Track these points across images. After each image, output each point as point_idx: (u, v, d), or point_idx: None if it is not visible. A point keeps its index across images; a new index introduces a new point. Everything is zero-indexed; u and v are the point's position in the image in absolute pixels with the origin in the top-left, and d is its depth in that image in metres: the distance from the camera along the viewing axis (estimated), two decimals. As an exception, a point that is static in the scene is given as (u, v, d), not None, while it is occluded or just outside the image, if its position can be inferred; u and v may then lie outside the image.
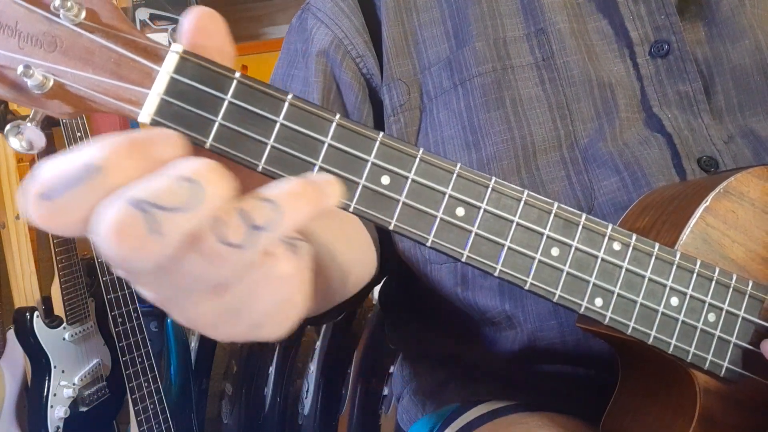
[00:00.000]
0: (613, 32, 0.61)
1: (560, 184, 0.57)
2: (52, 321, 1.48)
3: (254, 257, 0.26)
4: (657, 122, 0.57)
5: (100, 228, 0.24)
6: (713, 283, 0.41)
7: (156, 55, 0.28)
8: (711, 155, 0.55)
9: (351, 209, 0.32)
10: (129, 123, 1.82)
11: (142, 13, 1.83)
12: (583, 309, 0.37)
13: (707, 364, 0.41)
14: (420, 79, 0.63)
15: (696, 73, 0.58)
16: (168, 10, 1.75)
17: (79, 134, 1.45)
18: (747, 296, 0.42)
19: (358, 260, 0.58)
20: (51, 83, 0.26)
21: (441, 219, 0.34)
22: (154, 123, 0.28)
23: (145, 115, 0.28)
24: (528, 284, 0.36)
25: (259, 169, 0.30)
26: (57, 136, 1.51)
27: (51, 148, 1.47)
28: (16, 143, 0.27)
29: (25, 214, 0.25)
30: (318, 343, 1.48)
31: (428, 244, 0.34)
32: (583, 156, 0.57)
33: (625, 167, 0.55)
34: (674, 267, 0.40)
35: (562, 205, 0.37)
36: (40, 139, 0.27)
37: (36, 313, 1.46)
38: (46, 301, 1.51)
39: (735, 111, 0.58)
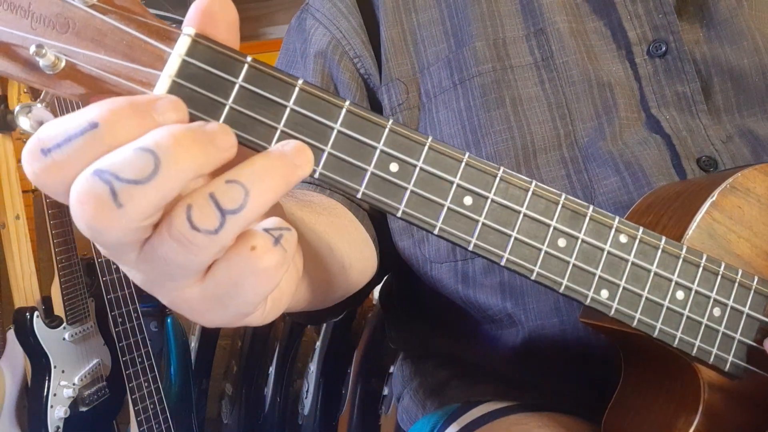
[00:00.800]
0: (610, 32, 0.61)
1: (560, 183, 0.57)
2: (52, 321, 1.48)
3: (227, 242, 0.26)
4: (655, 123, 0.57)
5: (70, 197, 0.24)
6: (719, 278, 0.41)
7: (168, 37, 0.28)
8: (710, 155, 0.55)
9: (359, 195, 0.32)
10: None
11: (144, 14, 1.82)
12: (589, 300, 0.37)
13: (712, 358, 0.41)
14: (419, 79, 0.63)
15: (694, 74, 0.58)
16: (168, 11, 1.75)
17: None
18: (752, 292, 0.42)
19: (358, 254, 0.58)
20: (63, 64, 0.26)
21: (449, 207, 0.34)
22: (165, 105, 0.28)
23: (157, 96, 0.28)
24: (535, 274, 0.36)
25: (269, 153, 0.30)
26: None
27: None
28: (26, 123, 0.27)
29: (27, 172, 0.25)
30: (318, 343, 1.48)
31: (436, 231, 0.34)
32: (583, 155, 0.58)
33: (626, 167, 0.55)
34: (680, 261, 0.40)
35: (570, 197, 0.37)
36: (49, 120, 0.27)
37: (36, 313, 1.46)
38: (46, 301, 1.51)
39: (733, 111, 0.58)
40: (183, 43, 0.28)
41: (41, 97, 0.28)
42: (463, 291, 0.61)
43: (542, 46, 0.60)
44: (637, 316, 0.39)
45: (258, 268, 0.27)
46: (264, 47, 1.88)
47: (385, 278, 0.77)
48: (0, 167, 1.53)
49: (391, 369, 1.27)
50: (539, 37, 0.60)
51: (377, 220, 0.65)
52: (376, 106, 0.66)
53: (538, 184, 0.36)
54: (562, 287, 0.37)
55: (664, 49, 0.59)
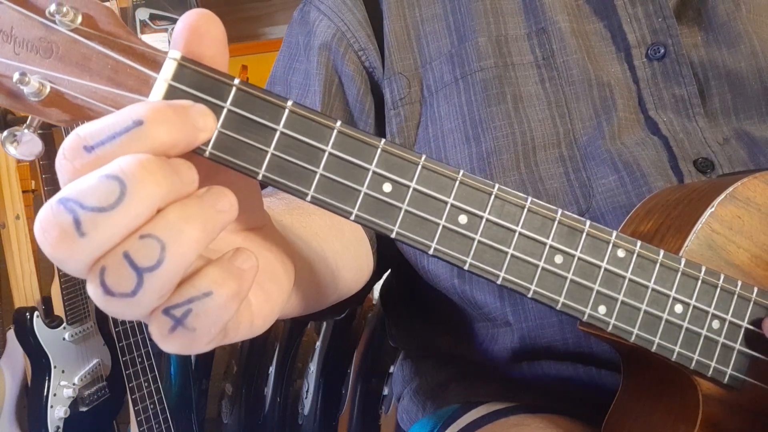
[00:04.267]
0: (610, 34, 0.61)
1: (559, 181, 0.58)
2: (52, 321, 1.48)
3: (152, 300, 0.25)
4: (653, 125, 0.58)
5: (34, 225, 0.24)
6: (718, 290, 0.40)
7: (153, 61, 0.27)
8: (707, 157, 0.56)
9: (352, 218, 0.31)
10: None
11: (142, 13, 1.81)
12: (586, 317, 0.37)
13: (711, 371, 0.41)
14: (421, 73, 0.64)
15: (691, 77, 0.58)
16: (168, 10, 1.74)
17: (79, 133, 1.45)
18: (752, 303, 0.41)
19: (352, 254, 0.58)
20: (47, 90, 0.26)
21: (443, 227, 0.33)
22: (152, 131, 0.27)
23: (143, 123, 0.27)
24: (531, 292, 0.35)
25: (260, 177, 0.29)
26: (57, 136, 1.50)
27: (51, 148, 1.47)
28: (12, 150, 0.26)
29: (60, 176, 0.24)
30: (318, 343, 1.48)
31: (431, 252, 0.33)
32: (581, 154, 0.58)
33: (624, 166, 0.56)
34: (678, 274, 0.39)
35: (566, 212, 0.36)
36: (36, 146, 0.27)
37: (36, 313, 1.46)
38: (46, 301, 1.51)
39: (730, 114, 0.59)
40: (169, 68, 0.27)
41: (28, 121, 0.27)
42: (459, 287, 0.61)
43: (543, 45, 0.60)
44: (635, 331, 0.38)
45: (210, 305, 0.26)
46: (264, 47, 1.86)
47: (385, 276, 0.78)
48: (0, 167, 1.53)
49: (391, 369, 1.27)
50: (541, 36, 0.60)
51: None
52: (380, 100, 0.66)
53: (534, 200, 0.35)
54: (559, 305, 0.36)
55: (662, 52, 0.59)
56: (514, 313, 0.59)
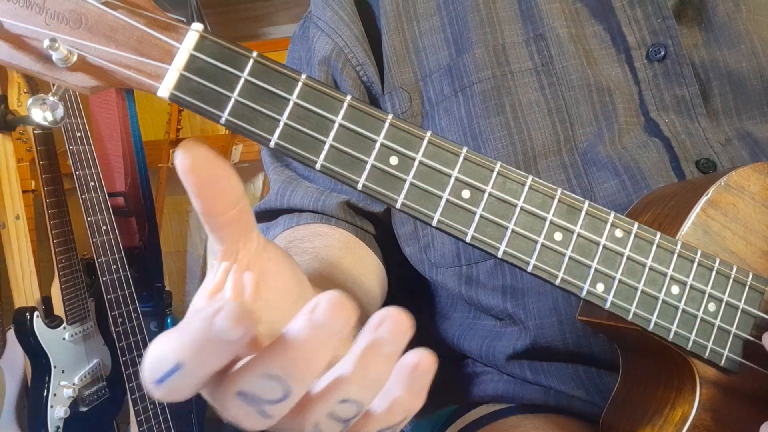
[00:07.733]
0: (610, 37, 0.61)
1: (560, 187, 0.58)
2: (52, 321, 1.48)
3: None
4: (654, 127, 0.58)
5: (225, 415, 0.28)
6: (713, 273, 0.41)
7: (177, 32, 0.29)
8: (709, 157, 0.56)
9: (359, 186, 0.33)
10: (129, 124, 1.81)
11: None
12: (584, 293, 0.38)
13: (707, 353, 0.41)
14: (421, 87, 0.64)
15: (692, 78, 0.58)
16: (168, 10, 1.76)
17: (79, 134, 1.46)
18: (747, 287, 0.42)
19: (375, 279, 0.61)
20: (75, 58, 0.27)
21: (447, 200, 0.34)
22: (173, 97, 0.29)
23: (165, 89, 0.29)
24: (531, 266, 0.36)
25: (272, 144, 0.31)
26: (57, 136, 1.51)
27: (51, 149, 1.47)
28: (38, 114, 0.28)
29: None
30: (318, 344, 1.47)
31: (434, 223, 0.34)
32: (582, 159, 0.58)
33: (625, 170, 0.56)
34: (675, 256, 0.40)
35: (566, 192, 0.37)
36: (61, 113, 0.28)
37: (36, 313, 1.46)
38: (46, 301, 1.50)
39: (732, 114, 0.59)
40: (191, 38, 0.29)
41: (53, 90, 0.28)
42: (466, 293, 0.62)
43: (542, 51, 0.60)
44: (633, 309, 0.39)
45: None
46: (264, 47, 1.87)
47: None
48: (0, 167, 1.53)
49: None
50: (539, 43, 0.60)
51: (382, 242, 0.67)
52: None
53: (535, 178, 0.37)
54: (558, 279, 0.37)
55: (663, 53, 0.59)
56: (516, 314, 0.59)
